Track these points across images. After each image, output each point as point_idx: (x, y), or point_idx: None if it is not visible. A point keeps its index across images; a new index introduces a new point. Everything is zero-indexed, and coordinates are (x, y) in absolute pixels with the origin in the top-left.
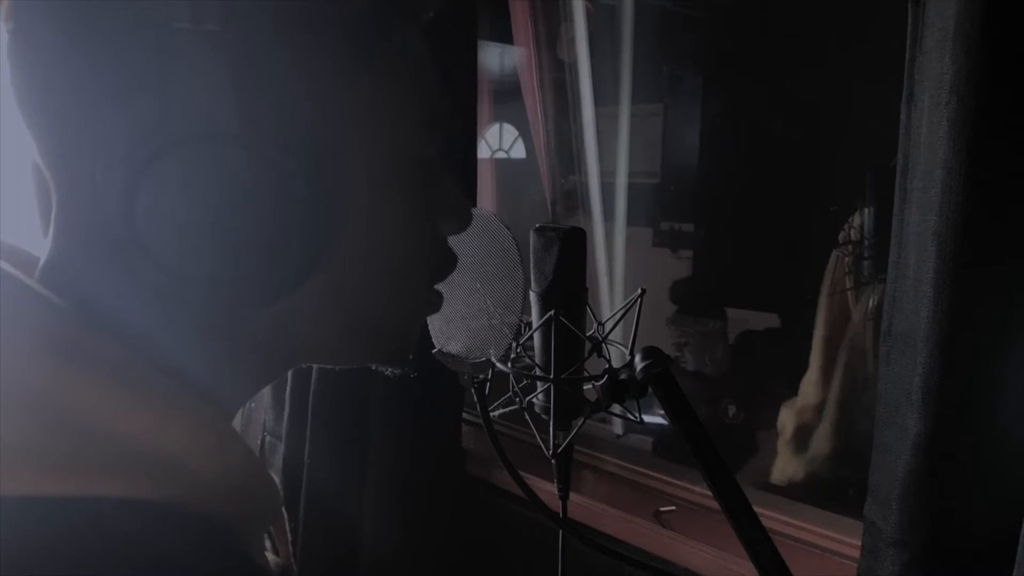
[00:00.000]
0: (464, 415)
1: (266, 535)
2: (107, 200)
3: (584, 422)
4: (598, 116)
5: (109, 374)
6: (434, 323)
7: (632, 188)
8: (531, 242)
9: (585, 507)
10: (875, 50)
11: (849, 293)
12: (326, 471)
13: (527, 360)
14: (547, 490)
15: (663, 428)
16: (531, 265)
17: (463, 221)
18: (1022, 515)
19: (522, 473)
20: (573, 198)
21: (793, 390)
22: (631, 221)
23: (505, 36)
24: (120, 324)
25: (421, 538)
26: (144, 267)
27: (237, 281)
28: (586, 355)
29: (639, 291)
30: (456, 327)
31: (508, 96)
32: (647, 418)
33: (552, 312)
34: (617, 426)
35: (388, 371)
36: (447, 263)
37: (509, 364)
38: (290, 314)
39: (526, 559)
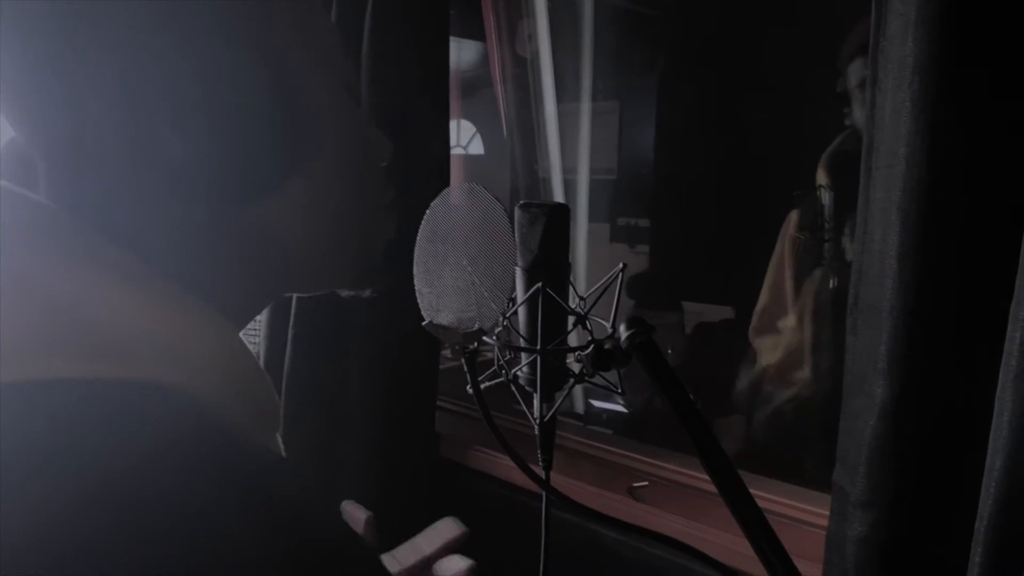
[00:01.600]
0: (438, 402)
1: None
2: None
3: (569, 392)
4: (558, 112)
5: (118, 275)
6: (424, 296)
7: (590, 184)
8: (516, 218)
9: (561, 484)
10: (830, 43)
11: (807, 277)
12: (298, 454)
13: (513, 333)
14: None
15: (623, 416)
16: (516, 241)
17: (388, 148)
18: (982, 474)
19: (498, 454)
20: (535, 194)
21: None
22: (588, 217)
23: (471, 31)
24: (119, 230)
25: (394, 520)
26: (146, 167)
27: (223, 177)
28: (570, 328)
29: (620, 265)
30: (446, 300)
31: (465, 92)
32: (607, 406)
33: (539, 285)
34: (579, 406)
35: (357, 294)
36: (389, 189)
37: (495, 337)
38: (272, 213)
39: (500, 538)
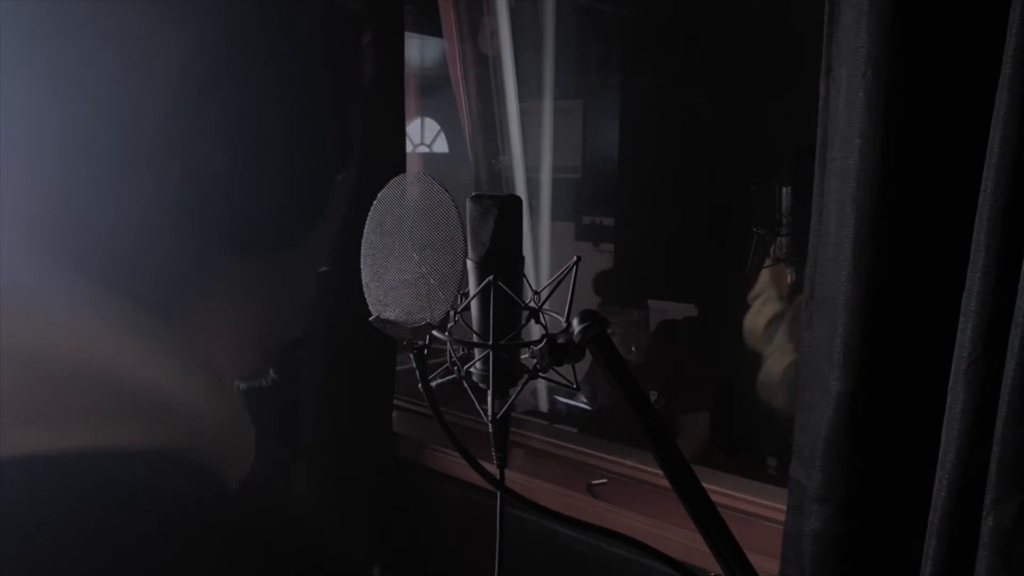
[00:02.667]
0: (395, 401)
1: None
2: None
3: (522, 388)
4: (521, 111)
5: (125, 331)
6: (371, 290)
7: (554, 183)
8: (467, 210)
9: (518, 482)
10: (790, 36)
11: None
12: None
13: (465, 329)
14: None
15: (587, 413)
16: (468, 233)
17: None
18: (935, 465)
19: (455, 454)
20: (497, 192)
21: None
22: (553, 216)
23: (429, 28)
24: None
25: (351, 521)
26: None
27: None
28: (523, 322)
29: (575, 258)
30: (394, 293)
31: (431, 89)
32: (571, 403)
33: (491, 278)
34: (543, 403)
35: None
36: None
37: (447, 333)
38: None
39: (458, 538)
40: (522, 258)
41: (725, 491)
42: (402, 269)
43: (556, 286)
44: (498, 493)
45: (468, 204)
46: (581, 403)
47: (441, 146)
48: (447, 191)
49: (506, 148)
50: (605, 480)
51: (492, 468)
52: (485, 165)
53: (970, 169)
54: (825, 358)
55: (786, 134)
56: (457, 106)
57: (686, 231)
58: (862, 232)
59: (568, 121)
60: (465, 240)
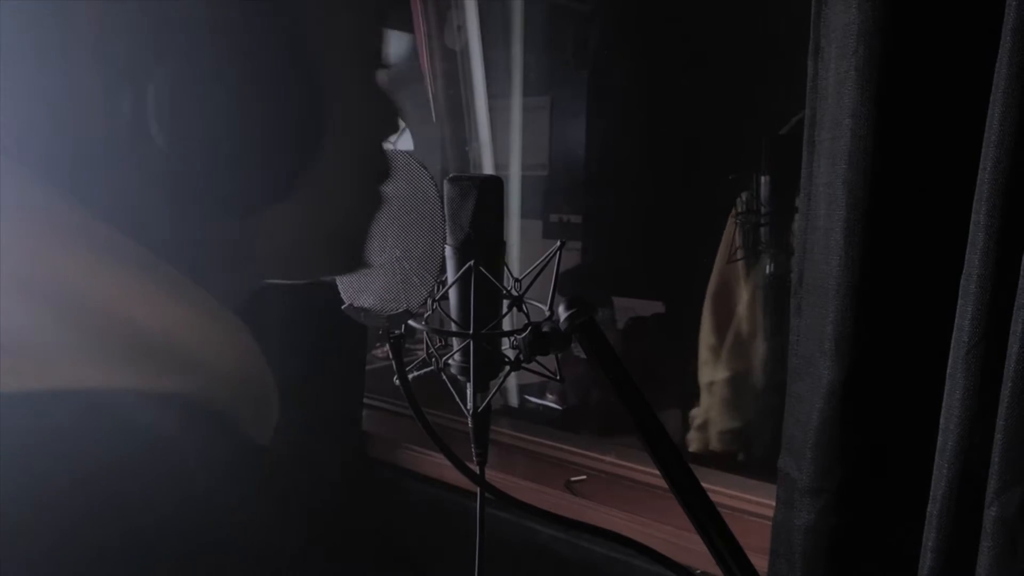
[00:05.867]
0: (364, 399)
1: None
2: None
3: (504, 379)
4: (489, 107)
5: (131, 266)
6: (343, 276)
7: (522, 180)
8: (445, 193)
9: (496, 480)
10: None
11: (740, 264)
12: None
13: (443, 319)
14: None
15: (554, 411)
16: (446, 218)
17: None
18: (933, 455)
19: (429, 452)
20: None
21: (680, 371)
22: (520, 213)
23: (393, 21)
24: (129, 222)
25: (319, 521)
26: (148, 166)
27: (236, 184)
28: (505, 311)
29: (557, 243)
30: (368, 280)
31: (395, 85)
32: (542, 402)
33: (471, 263)
34: (513, 398)
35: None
36: (387, 163)
37: (424, 322)
38: (272, 220)
39: (432, 539)
40: (503, 243)
41: (707, 485)
42: (377, 254)
43: (539, 273)
44: (478, 491)
45: (446, 186)
46: (550, 402)
47: (406, 145)
48: (425, 168)
49: (474, 144)
50: (584, 477)
51: (471, 465)
52: (455, 161)
53: (967, 147)
54: (816, 346)
55: (762, 122)
56: (427, 102)
57: (654, 228)
58: (854, 215)
59: (535, 117)
60: (444, 222)
